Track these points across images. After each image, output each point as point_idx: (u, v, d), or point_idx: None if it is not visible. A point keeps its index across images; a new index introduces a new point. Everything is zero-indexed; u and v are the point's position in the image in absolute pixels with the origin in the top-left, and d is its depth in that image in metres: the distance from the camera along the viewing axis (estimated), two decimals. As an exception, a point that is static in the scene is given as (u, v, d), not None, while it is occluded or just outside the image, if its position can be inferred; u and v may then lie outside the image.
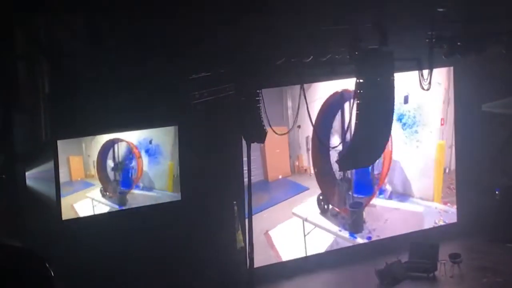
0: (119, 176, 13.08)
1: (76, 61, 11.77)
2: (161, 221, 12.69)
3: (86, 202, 12.65)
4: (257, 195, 13.54)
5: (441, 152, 15.92)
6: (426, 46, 12.43)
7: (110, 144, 12.87)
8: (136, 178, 13.19)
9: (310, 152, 14.77)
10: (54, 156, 11.77)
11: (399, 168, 15.65)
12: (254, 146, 12.94)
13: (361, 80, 11.42)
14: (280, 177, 14.65)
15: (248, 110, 12.16)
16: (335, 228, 15.04)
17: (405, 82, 13.40)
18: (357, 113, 11.38)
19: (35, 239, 11.18)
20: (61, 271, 3.53)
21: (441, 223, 15.92)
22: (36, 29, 11.68)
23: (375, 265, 13.64)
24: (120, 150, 12.99)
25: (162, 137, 13.10)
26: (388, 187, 15.64)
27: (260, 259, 13.50)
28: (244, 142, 12.85)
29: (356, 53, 11.61)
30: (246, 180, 13.16)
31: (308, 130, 14.34)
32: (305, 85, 13.03)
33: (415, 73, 12.36)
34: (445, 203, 15.99)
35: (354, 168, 14.32)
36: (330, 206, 15.04)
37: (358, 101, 11.33)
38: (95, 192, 12.79)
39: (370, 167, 14.85)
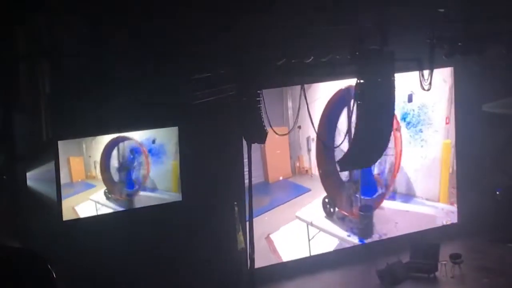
0: (125, 177, 12.89)
1: (76, 61, 11.76)
2: (162, 221, 12.68)
3: (89, 205, 12.47)
4: (257, 197, 13.41)
5: (447, 152, 15.80)
6: (427, 46, 12.42)
7: (114, 143, 12.68)
8: (144, 179, 12.99)
9: (311, 152, 14.66)
10: (55, 156, 11.74)
11: (403, 168, 15.55)
12: (255, 147, 12.89)
13: (361, 81, 11.42)
14: (281, 178, 14.53)
15: (248, 111, 12.16)
16: (342, 233, 14.85)
17: (409, 80, 13.27)
18: (357, 114, 11.37)
19: (36, 239, 11.18)
20: (62, 271, 3.53)
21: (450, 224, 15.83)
22: (37, 29, 11.66)
23: (376, 266, 13.64)
24: (126, 149, 12.79)
25: (166, 137, 12.94)
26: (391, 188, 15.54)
27: (261, 262, 13.49)
28: (244, 143, 12.85)
29: (357, 53, 11.61)
30: (246, 181, 13.08)
31: (309, 131, 14.19)
32: (305, 86, 13.04)
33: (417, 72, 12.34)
34: (451, 203, 15.89)
35: (354, 169, 14.29)
36: (336, 209, 14.82)
37: (359, 102, 11.33)
38: (99, 194, 12.63)
39: (372, 167, 14.80)
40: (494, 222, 15.15)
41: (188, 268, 12.80)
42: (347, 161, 12.30)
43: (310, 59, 12.37)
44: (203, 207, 12.95)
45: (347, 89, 14.26)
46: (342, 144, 13.43)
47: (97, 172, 12.57)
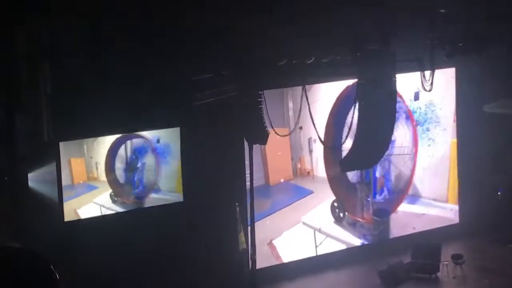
0: (133, 178, 12.62)
1: (77, 61, 11.75)
2: (163, 222, 12.67)
3: (93, 208, 12.30)
4: (258, 200, 13.16)
5: (455, 151, 15.59)
6: (428, 47, 12.42)
7: (121, 141, 12.47)
8: (155, 180, 12.69)
9: (312, 154, 14.45)
10: (56, 157, 11.68)
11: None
12: (255, 149, 12.81)
13: (362, 81, 11.45)
14: (282, 180, 14.28)
15: (250, 112, 12.16)
16: (355, 240, 14.57)
17: (415, 77, 13.16)
18: (359, 115, 11.40)
19: (37, 240, 11.18)
20: (64, 272, 3.53)
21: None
22: (37, 29, 11.66)
23: (377, 266, 13.64)
24: (133, 147, 12.53)
25: (171, 136, 12.76)
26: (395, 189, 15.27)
27: (263, 262, 13.47)
28: (246, 144, 12.84)
29: (358, 54, 11.62)
30: (247, 184, 12.96)
31: (310, 132, 14.01)
32: (306, 86, 13.04)
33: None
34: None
35: (356, 169, 14.26)
36: (346, 214, 14.49)
37: (360, 102, 11.35)
38: (104, 197, 12.41)
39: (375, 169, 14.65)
40: (496, 222, 15.14)
41: (189, 269, 12.80)
42: (349, 162, 12.33)
43: (311, 60, 12.38)
44: (205, 208, 12.95)
45: (355, 85, 14.08)
46: (343, 144, 13.37)
47: (98, 173, 12.43)
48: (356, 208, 14.76)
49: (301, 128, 13.97)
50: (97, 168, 12.41)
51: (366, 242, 14.68)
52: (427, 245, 14.14)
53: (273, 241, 14.00)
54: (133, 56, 11.80)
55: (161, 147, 12.79)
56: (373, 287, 13.49)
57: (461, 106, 15.51)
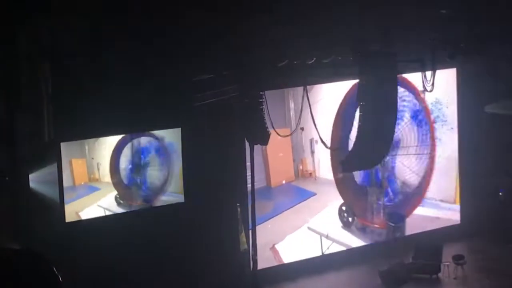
0: (140, 180, 12.40)
1: (78, 62, 11.74)
2: (164, 223, 12.67)
3: (96, 212, 12.15)
4: (259, 202, 12.98)
5: None
6: (429, 47, 12.41)
7: (126, 140, 12.28)
8: (165, 181, 12.43)
9: (314, 155, 14.27)
10: (57, 158, 11.65)
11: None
12: (256, 150, 12.77)
13: (364, 82, 11.43)
14: (284, 182, 14.08)
15: (251, 112, 12.16)
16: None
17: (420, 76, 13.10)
18: (360, 115, 11.38)
19: (38, 241, 11.17)
20: (65, 273, 3.52)
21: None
22: (38, 29, 11.65)
23: (378, 266, 13.63)
24: (141, 146, 12.33)
25: (175, 135, 12.64)
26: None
27: (264, 263, 13.44)
28: (247, 144, 12.83)
29: (359, 54, 11.61)
30: (249, 185, 12.87)
31: (312, 132, 13.88)
32: (307, 87, 13.03)
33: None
34: None
35: (357, 170, 14.22)
36: (354, 218, 14.25)
37: (361, 103, 11.33)
38: (108, 200, 12.23)
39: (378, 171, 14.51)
40: (497, 222, 15.14)
41: (191, 269, 12.79)
42: (351, 162, 12.30)
43: (312, 60, 12.37)
44: (206, 209, 12.94)
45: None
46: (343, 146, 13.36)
47: (100, 174, 12.33)
48: (366, 212, 14.51)
49: (302, 129, 13.90)
50: (98, 169, 12.30)
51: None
52: (428, 245, 14.13)
53: (276, 246, 13.83)
54: (133, 56, 11.80)
55: (165, 147, 12.65)
56: (374, 287, 13.48)
57: (462, 107, 15.51)
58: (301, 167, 14.26)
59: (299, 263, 14.16)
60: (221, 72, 12.04)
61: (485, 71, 14.73)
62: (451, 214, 15.52)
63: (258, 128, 12.17)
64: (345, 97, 14.17)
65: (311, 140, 14.23)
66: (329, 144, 13.80)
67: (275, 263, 13.92)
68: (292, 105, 13.94)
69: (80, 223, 12.08)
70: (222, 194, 13.07)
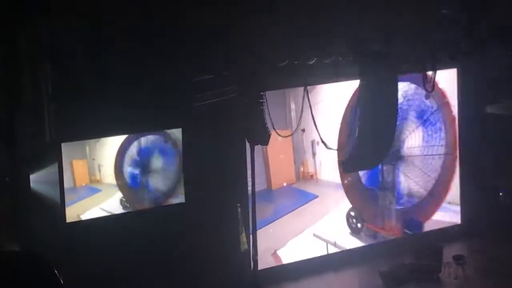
0: (148, 181, 12.20)
1: (79, 62, 11.74)
2: (165, 223, 12.66)
3: (99, 215, 11.99)
4: (260, 205, 12.76)
5: None
6: (430, 48, 12.41)
7: (133, 138, 12.10)
8: (176, 181, 12.18)
9: (315, 156, 14.03)
10: (58, 158, 11.60)
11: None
12: (257, 152, 12.70)
13: (364, 82, 11.45)
14: (285, 184, 13.85)
15: (251, 112, 12.15)
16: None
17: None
18: (361, 115, 11.40)
19: (39, 242, 11.17)
20: (66, 274, 3.52)
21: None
22: (38, 29, 11.65)
23: (379, 267, 13.63)
24: (149, 145, 12.16)
25: (180, 135, 12.53)
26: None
27: (265, 263, 13.42)
28: (247, 145, 12.82)
29: (360, 55, 11.62)
30: (249, 186, 12.77)
31: (313, 134, 13.67)
32: (308, 88, 13.01)
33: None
34: None
35: (357, 170, 14.20)
36: (363, 224, 14.00)
37: (362, 103, 11.35)
38: (113, 203, 12.06)
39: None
40: (498, 223, 15.14)
41: (191, 270, 12.79)
42: (351, 163, 12.31)
43: (313, 61, 12.37)
44: (206, 209, 12.94)
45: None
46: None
47: (101, 175, 12.22)
48: (376, 218, 14.27)
49: (303, 130, 13.77)
50: (99, 170, 12.18)
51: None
52: (428, 246, 14.13)
53: (278, 252, 13.66)
54: (133, 57, 11.78)
55: (169, 146, 12.51)
56: (375, 287, 13.48)
57: (462, 107, 15.50)
58: (302, 169, 14.05)
59: (300, 263, 14.15)
60: (222, 72, 12.04)
61: (486, 71, 14.72)
62: (452, 215, 15.48)
63: (258, 128, 12.17)
64: (351, 99, 14.02)
65: (312, 142, 14.05)
66: (335, 146, 13.65)
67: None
68: (293, 106, 13.83)
69: (80, 223, 12.06)
70: (222, 194, 13.06)
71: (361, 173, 14.27)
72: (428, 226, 15.08)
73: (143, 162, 12.38)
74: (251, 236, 12.79)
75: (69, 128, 11.69)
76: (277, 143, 12.91)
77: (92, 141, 12.16)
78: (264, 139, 12.33)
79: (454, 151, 15.14)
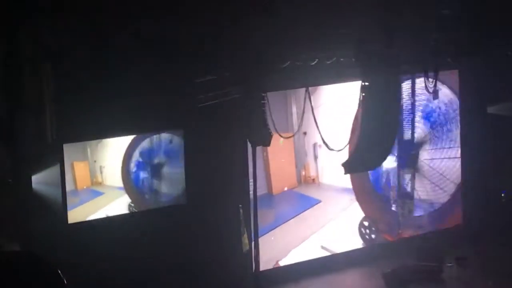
0: (160, 184, 12.06)
1: (79, 63, 11.73)
2: (166, 224, 12.65)
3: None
4: (261, 211, 12.43)
5: None
6: (432, 48, 12.40)
7: (141, 139, 11.90)
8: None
9: (318, 160, 13.76)
10: (60, 160, 11.57)
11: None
12: (257, 155, 12.64)
13: (366, 83, 11.43)
14: (286, 189, 13.52)
15: (253, 113, 12.14)
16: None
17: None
18: (362, 116, 11.38)
19: (40, 243, 11.16)
20: (66, 275, 3.51)
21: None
22: (39, 30, 11.64)
23: (381, 268, 13.61)
24: (161, 143, 12.08)
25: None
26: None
27: (266, 264, 13.40)
28: (249, 146, 12.80)
29: (362, 56, 11.61)
30: (251, 187, 12.68)
31: (315, 137, 13.48)
32: (310, 90, 12.99)
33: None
34: None
35: (358, 172, 14.13)
36: (377, 235, 13.73)
37: (364, 104, 11.34)
38: (117, 208, 11.90)
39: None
40: (499, 224, 15.12)
41: (193, 271, 12.78)
42: (352, 164, 12.29)
43: (315, 62, 12.36)
44: (208, 210, 12.93)
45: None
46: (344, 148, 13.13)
47: (103, 177, 12.12)
48: (393, 228, 13.89)
49: (305, 133, 13.64)
50: (101, 172, 12.07)
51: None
52: (431, 247, 14.11)
53: (280, 262, 13.50)
54: (135, 57, 11.79)
55: (174, 148, 12.39)
56: (377, 289, 13.48)
57: (464, 108, 15.49)
58: (303, 173, 13.74)
59: (302, 264, 14.13)
60: (223, 74, 12.03)
61: (488, 72, 14.71)
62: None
63: (260, 129, 12.16)
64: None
65: (314, 145, 13.80)
66: (336, 148, 13.47)
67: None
68: (294, 109, 13.63)
69: (82, 224, 12.03)
70: (224, 195, 13.05)
71: (372, 178, 14.03)
72: (428, 227, 14.99)
73: (152, 164, 12.29)
74: (252, 236, 12.76)
75: (70, 128, 11.67)
76: (278, 147, 12.80)
77: (93, 142, 12.07)
78: (265, 140, 12.31)
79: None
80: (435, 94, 13.78)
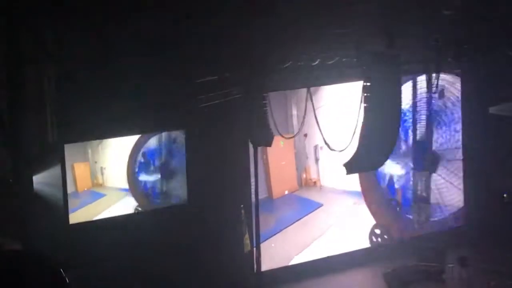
0: (169, 187, 11.98)
1: (81, 63, 11.72)
2: (168, 225, 12.65)
3: None
4: (261, 216, 12.25)
5: None
6: (433, 49, 12.39)
7: (146, 138, 11.81)
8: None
9: (319, 162, 13.60)
10: (61, 160, 11.55)
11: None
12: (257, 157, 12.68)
13: (368, 83, 11.41)
14: (286, 192, 13.33)
15: (254, 114, 12.13)
16: None
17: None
18: (364, 116, 11.36)
19: (41, 243, 11.15)
20: (69, 275, 3.50)
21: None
22: (41, 30, 11.63)
23: (383, 269, 13.60)
24: (171, 142, 11.98)
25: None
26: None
27: (268, 264, 13.39)
28: (250, 147, 12.79)
29: (363, 56, 11.60)
30: (252, 187, 12.63)
31: (316, 139, 13.36)
32: (311, 91, 12.97)
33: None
34: None
35: (360, 172, 14.09)
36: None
37: (365, 104, 11.31)
38: (121, 211, 11.79)
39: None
40: (501, 224, 15.11)
41: (194, 271, 12.77)
42: (353, 164, 12.26)
43: (316, 62, 12.35)
44: (210, 210, 12.92)
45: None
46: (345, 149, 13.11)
47: (104, 179, 12.06)
48: (407, 236, 13.64)
49: (306, 135, 13.57)
50: (102, 174, 12.01)
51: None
52: (432, 248, 14.10)
53: None
54: (136, 57, 11.78)
55: (178, 148, 12.29)
56: (378, 289, 13.48)
57: (466, 108, 15.48)
58: (304, 176, 13.53)
59: (303, 265, 14.13)
60: (225, 74, 12.02)
61: (489, 72, 14.70)
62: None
63: (261, 129, 12.14)
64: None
65: (315, 147, 13.66)
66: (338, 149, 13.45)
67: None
68: (294, 112, 13.54)
69: (83, 225, 12.02)
70: (225, 195, 13.04)
71: (382, 182, 13.87)
72: (430, 227, 14.96)
73: (160, 164, 12.22)
74: (254, 236, 12.75)
75: (71, 129, 11.66)
76: (278, 149, 12.74)
77: (94, 143, 12.03)
78: (267, 141, 12.30)
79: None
80: (441, 93, 13.71)
